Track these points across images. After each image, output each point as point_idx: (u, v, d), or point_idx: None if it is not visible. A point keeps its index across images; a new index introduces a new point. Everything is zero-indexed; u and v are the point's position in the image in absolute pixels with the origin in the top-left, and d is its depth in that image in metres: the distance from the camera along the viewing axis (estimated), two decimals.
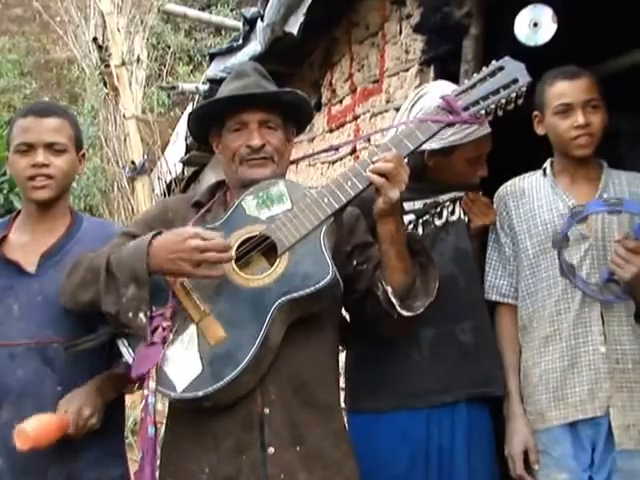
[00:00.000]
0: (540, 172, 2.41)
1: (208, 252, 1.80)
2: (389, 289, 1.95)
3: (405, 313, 1.96)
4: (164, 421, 2.01)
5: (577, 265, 2.23)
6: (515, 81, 1.97)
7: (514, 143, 3.22)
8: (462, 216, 2.34)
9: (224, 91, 2.06)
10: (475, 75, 2.02)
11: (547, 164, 2.40)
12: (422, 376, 2.19)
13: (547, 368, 2.26)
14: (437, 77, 3.26)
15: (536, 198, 2.36)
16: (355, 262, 2.05)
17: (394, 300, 1.95)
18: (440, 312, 2.11)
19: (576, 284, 2.22)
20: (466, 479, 2.18)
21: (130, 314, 1.84)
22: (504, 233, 2.40)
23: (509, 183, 2.45)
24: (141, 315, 1.84)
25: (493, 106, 1.97)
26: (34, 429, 1.92)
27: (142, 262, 1.84)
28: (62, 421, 1.97)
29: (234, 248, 1.89)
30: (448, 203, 2.32)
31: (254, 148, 1.98)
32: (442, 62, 3.28)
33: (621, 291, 2.16)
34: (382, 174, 1.86)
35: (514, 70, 1.98)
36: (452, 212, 2.33)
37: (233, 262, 1.88)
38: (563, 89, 2.27)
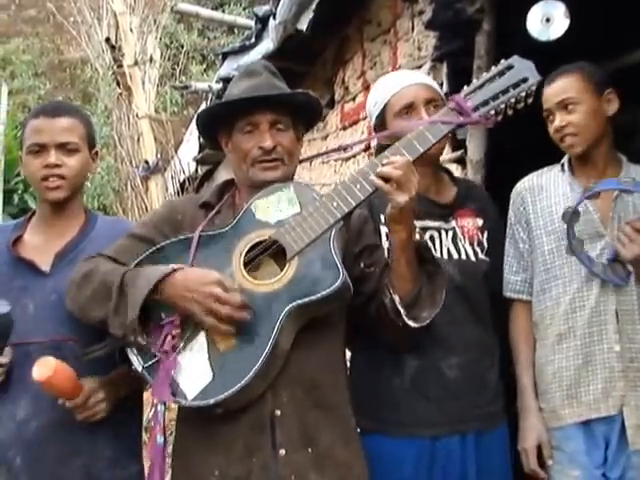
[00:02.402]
0: (558, 167, 2.38)
1: (223, 305, 1.77)
2: (396, 298, 1.94)
3: (412, 324, 1.95)
4: (175, 422, 2.01)
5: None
6: (525, 80, 1.94)
7: (527, 137, 3.21)
8: (458, 252, 2.25)
9: (234, 89, 2.04)
10: (484, 74, 1.99)
11: (565, 160, 2.37)
12: (399, 406, 2.15)
13: (561, 366, 2.24)
14: (450, 73, 3.27)
15: (554, 194, 2.33)
16: (362, 264, 2.03)
17: (401, 309, 1.94)
18: (427, 344, 2.10)
19: (582, 260, 2.19)
20: None
21: (132, 337, 1.83)
22: (521, 228, 2.37)
23: (527, 178, 2.42)
24: (139, 338, 1.83)
25: (503, 106, 1.94)
26: (58, 365, 1.94)
27: (148, 288, 1.81)
28: (77, 384, 1.99)
29: (244, 253, 1.88)
30: (434, 233, 2.24)
31: (266, 149, 1.96)
32: (454, 58, 3.28)
33: (625, 274, 2.15)
34: (389, 179, 1.84)
35: (523, 69, 1.95)
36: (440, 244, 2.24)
37: (242, 267, 1.87)
38: (544, 95, 2.26)
